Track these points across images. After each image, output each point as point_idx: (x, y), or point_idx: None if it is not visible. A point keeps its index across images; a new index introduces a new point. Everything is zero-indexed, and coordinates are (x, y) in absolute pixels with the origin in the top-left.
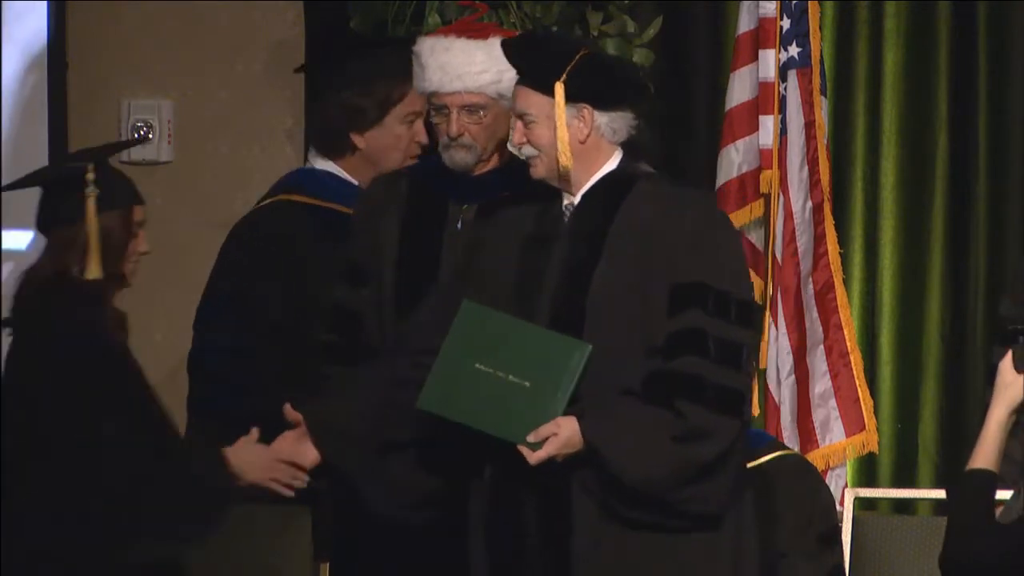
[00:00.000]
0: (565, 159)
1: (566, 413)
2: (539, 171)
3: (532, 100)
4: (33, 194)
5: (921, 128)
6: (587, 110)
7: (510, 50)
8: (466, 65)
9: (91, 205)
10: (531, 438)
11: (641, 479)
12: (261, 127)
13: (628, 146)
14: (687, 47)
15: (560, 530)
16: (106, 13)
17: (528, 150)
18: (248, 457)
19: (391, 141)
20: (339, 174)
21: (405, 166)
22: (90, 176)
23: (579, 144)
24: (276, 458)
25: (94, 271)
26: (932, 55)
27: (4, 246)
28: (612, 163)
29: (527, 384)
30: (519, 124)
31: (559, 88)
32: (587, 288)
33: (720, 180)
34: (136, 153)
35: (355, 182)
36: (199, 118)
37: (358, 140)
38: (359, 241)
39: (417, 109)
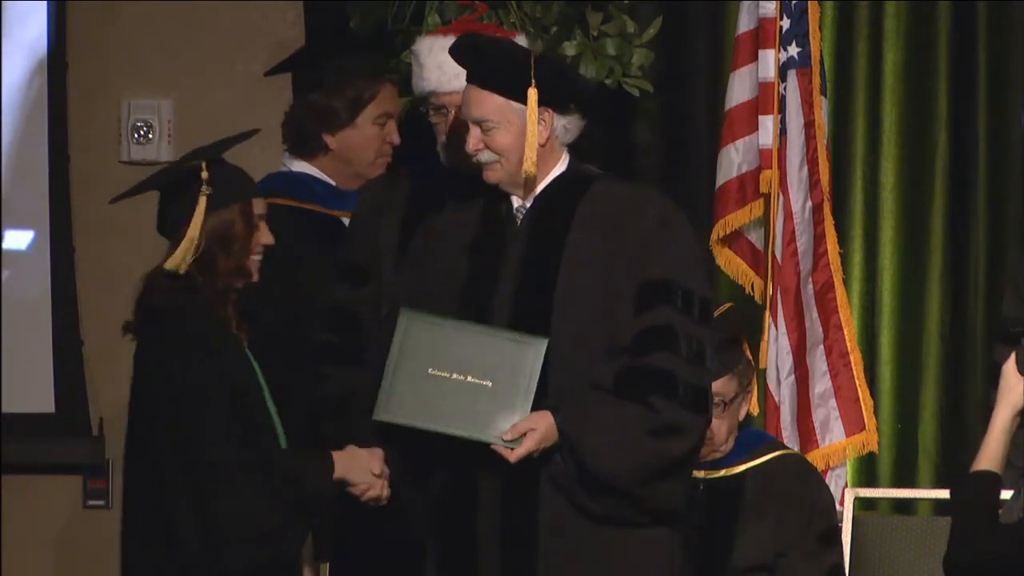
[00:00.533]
0: (530, 165)
1: (533, 408)
2: (496, 175)
3: (490, 105)
4: (35, 194)
5: (921, 128)
6: (548, 113)
7: (462, 54)
8: None
9: (202, 203)
10: (508, 436)
11: (615, 473)
12: (261, 127)
13: (573, 147)
14: (687, 47)
15: (525, 524)
16: (106, 13)
17: (486, 155)
18: (354, 462)
19: (363, 142)
20: (316, 175)
21: (403, 166)
22: (204, 175)
23: (540, 148)
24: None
25: (180, 267)
26: (932, 55)
27: (4, 246)
28: (562, 165)
29: (488, 384)
30: (476, 130)
31: (532, 94)
32: (551, 288)
33: (720, 180)
34: (136, 153)
35: (332, 182)
36: (199, 118)
37: (330, 140)
38: (359, 241)
39: (388, 110)
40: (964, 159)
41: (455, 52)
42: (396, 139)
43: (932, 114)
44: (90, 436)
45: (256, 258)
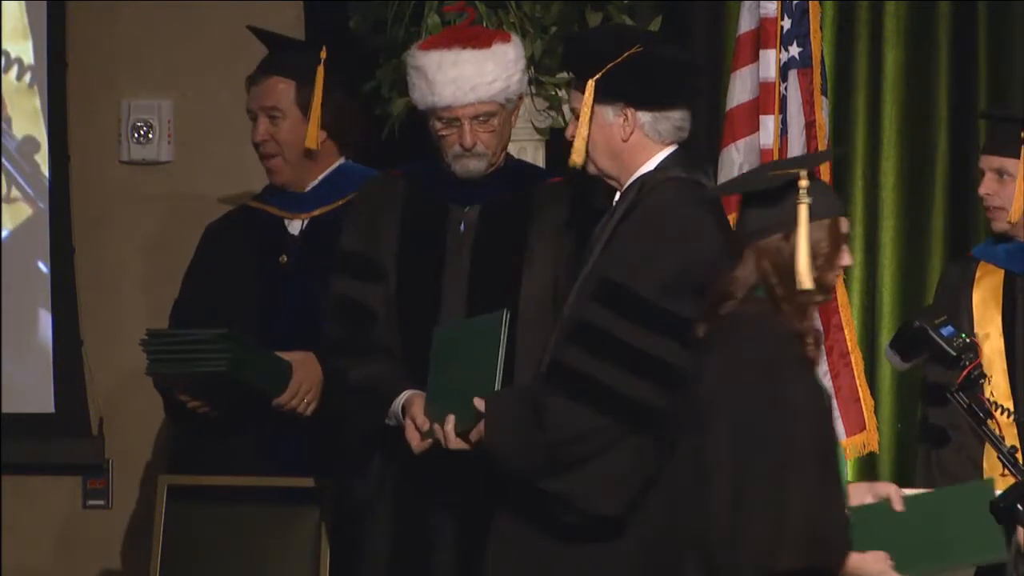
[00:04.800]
0: (577, 156)
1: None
2: (589, 168)
3: (575, 96)
4: (35, 193)
5: (921, 128)
6: (629, 110)
7: (568, 45)
8: (478, 76)
9: (803, 213)
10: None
11: (506, 465)
12: None
13: (685, 147)
14: (687, 47)
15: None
16: (106, 13)
17: (574, 143)
18: None
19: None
20: None
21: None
22: (803, 183)
23: (621, 143)
24: None
25: (804, 282)
26: (932, 55)
27: (4, 246)
28: (650, 164)
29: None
30: (573, 119)
31: (590, 86)
32: (585, 283)
33: (721, 180)
34: (136, 153)
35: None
36: (199, 118)
37: None
38: (365, 238)
39: (250, 107)
40: (964, 159)
41: (565, 45)
42: (257, 136)
43: (932, 114)
44: (90, 436)
45: (834, 278)
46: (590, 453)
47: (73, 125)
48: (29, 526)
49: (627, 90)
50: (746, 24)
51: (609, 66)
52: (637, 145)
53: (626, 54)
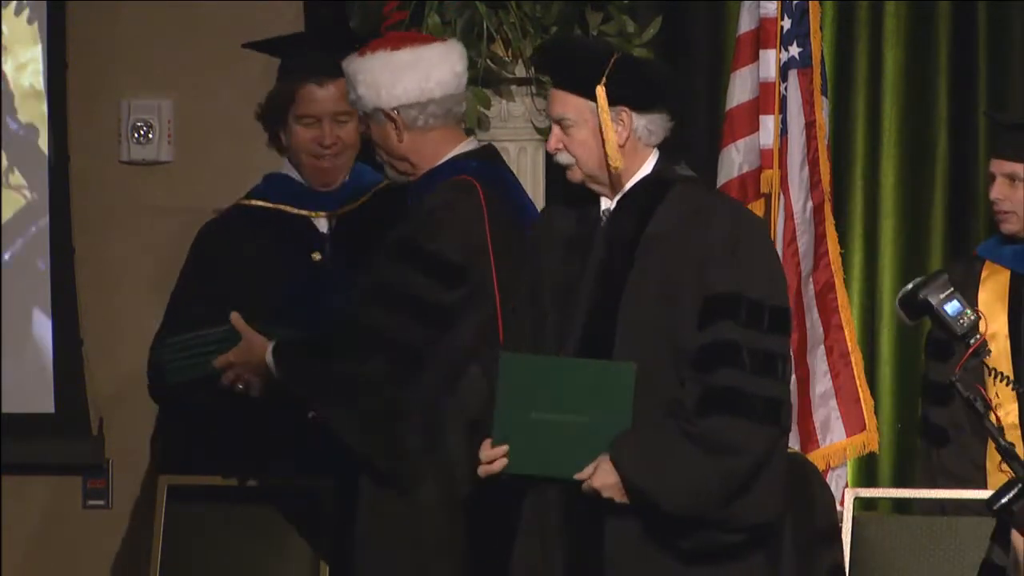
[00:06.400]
0: (615, 160)
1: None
2: (576, 176)
3: (570, 103)
4: (35, 192)
5: (921, 128)
6: (625, 113)
7: (543, 56)
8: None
9: None
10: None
11: (686, 504)
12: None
13: (666, 148)
14: (687, 47)
15: (591, 558)
16: (106, 13)
17: (564, 157)
18: None
19: (294, 143)
20: (288, 174)
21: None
22: None
23: (618, 147)
24: None
25: None
26: (932, 55)
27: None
28: (648, 167)
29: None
30: (556, 129)
31: (600, 91)
32: (620, 296)
33: (720, 180)
34: (136, 153)
35: (301, 180)
36: (199, 118)
37: (283, 137)
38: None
39: (310, 112)
40: (964, 159)
41: (540, 56)
42: (325, 140)
43: (932, 114)
44: (90, 436)
45: None
46: (763, 467)
47: (73, 125)
48: (29, 526)
49: (627, 94)
50: (746, 24)
51: (607, 71)
52: (631, 149)
53: (613, 59)
